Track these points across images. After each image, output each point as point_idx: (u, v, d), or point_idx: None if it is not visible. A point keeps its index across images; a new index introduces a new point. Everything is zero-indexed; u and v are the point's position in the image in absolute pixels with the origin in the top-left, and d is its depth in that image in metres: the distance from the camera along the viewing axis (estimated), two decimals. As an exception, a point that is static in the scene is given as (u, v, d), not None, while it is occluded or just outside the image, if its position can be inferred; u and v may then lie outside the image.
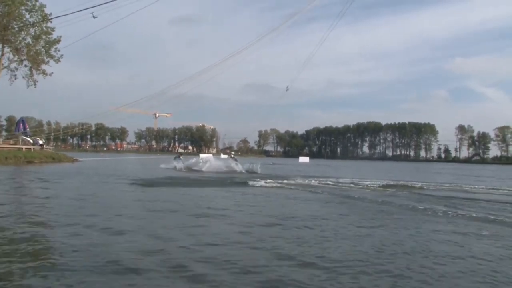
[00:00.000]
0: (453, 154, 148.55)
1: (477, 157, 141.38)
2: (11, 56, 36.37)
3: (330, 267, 4.67)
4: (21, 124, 39.70)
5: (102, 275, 4.19)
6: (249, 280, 4.20)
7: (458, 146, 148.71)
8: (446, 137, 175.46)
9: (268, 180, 18.01)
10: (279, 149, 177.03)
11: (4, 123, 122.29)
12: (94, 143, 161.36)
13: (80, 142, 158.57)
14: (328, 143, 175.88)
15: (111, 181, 16.76)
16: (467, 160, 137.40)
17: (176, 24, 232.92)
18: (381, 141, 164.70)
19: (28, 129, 40.60)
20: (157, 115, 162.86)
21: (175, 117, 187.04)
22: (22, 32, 35.68)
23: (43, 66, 36.94)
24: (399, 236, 6.67)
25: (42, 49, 36.42)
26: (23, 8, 34.65)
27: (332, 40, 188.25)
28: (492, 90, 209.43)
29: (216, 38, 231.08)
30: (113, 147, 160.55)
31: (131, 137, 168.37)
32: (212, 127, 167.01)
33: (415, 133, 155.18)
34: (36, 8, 35.06)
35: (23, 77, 36.87)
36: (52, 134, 76.17)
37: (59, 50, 36.73)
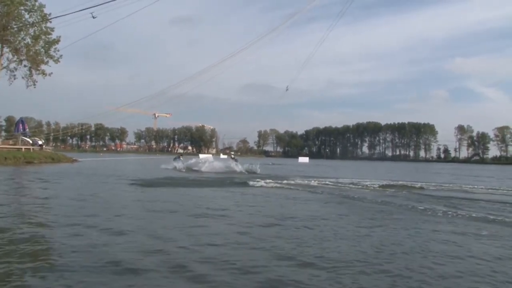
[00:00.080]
0: (452, 154, 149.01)
1: (476, 157, 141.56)
2: (11, 56, 36.46)
3: (329, 267, 4.67)
4: (21, 125, 39.70)
5: (102, 275, 4.19)
6: (249, 280, 4.20)
7: (457, 146, 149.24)
8: (446, 137, 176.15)
9: (268, 180, 17.99)
10: (278, 149, 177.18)
11: (4, 123, 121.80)
12: (93, 144, 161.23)
13: (79, 142, 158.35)
14: (328, 143, 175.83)
15: (111, 181, 16.75)
16: (467, 160, 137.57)
17: (176, 24, 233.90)
18: (381, 141, 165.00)
19: (27, 130, 40.62)
20: (156, 115, 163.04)
21: (175, 117, 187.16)
22: (22, 32, 35.67)
23: (43, 66, 36.97)
24: (398, 236, 6.67)
25: (42, 49, 36.42)
26: (22, 8, 34.66)
27: (331, 40, 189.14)
28: (492, 90, 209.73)
29: (216, 38, 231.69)
30: (113, 148, 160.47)
31: (130, 138, 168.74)
32: (211, 127, 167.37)
33: (414, 133, 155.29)
34: (36, 8, 35.07)
35: (23, 77, 36.93)
36: (52, 134, 76.17)
37: (58, 50, 36.80)
